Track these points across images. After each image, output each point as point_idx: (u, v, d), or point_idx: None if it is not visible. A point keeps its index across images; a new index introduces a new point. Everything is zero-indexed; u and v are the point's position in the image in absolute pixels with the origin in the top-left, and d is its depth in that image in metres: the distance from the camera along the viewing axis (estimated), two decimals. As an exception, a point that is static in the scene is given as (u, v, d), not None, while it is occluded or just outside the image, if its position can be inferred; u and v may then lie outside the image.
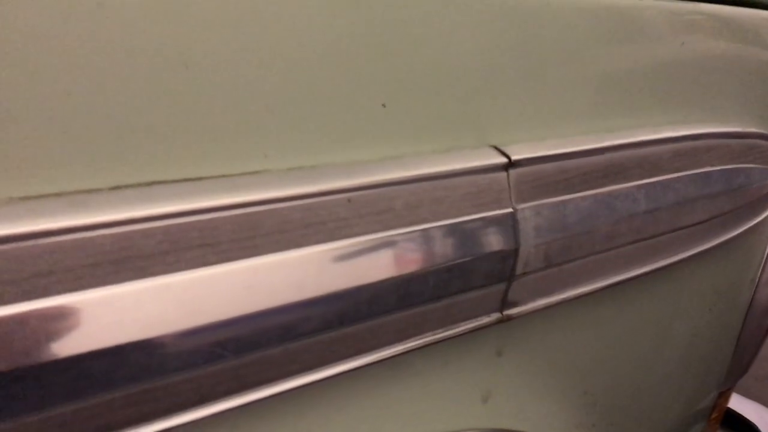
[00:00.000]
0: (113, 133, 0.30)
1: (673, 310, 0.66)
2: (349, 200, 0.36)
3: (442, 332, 0.42)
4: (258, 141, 0.34)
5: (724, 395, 0.87)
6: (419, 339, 0.41)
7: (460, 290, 0.41)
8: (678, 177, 0.55)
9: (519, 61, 0.44)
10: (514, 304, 0.45)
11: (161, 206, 0.30)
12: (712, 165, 0.59)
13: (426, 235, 0.39)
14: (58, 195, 0.29)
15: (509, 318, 0.45)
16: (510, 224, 0.42)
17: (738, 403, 1.16)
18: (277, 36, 0.33)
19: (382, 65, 0.37)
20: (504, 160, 0.42)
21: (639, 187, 0.51)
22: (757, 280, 0.79)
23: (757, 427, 1.13)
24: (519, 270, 0.43)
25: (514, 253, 0.42)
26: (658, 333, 0.66)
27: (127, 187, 0.30)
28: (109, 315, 0.28)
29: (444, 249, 0.39)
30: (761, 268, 0.79)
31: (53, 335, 0.27)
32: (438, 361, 0.46)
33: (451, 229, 0.40)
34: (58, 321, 0.27)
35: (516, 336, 0.50)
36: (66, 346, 0.27)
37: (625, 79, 0.51)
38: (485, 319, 0.44)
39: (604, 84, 0.50)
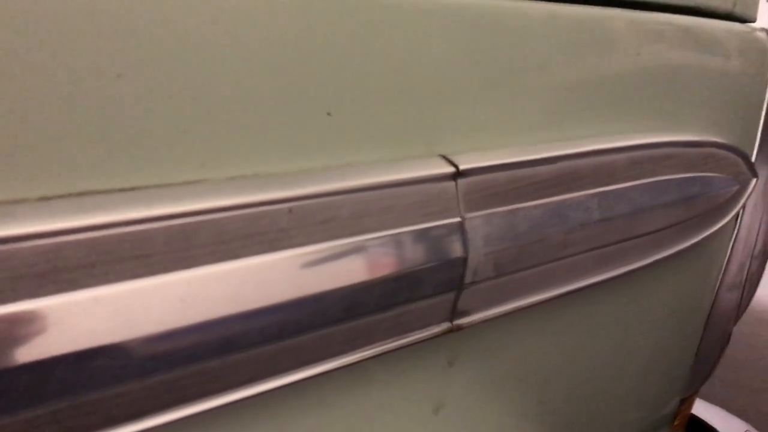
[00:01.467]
0: (41, 141, 0.29)
1: (632, 317, 0.67)
2: (290, 210, 0.35)
3: (391, 343, 0.42)
4: (195, 149, 0.33)
5: (687, 401, 0.88)
6: (367, 350, 0.41)
7: (407, 300, 0.41)
8: (633, 186, 0.55)
9: (470, 69, 0.43)
10: (465, 314, 0.45)
11: (91, 217, 0.29)
12: (669, 174, 0.59)
13: (372, 245, 0.38)
14: (-21, 206, 0.28)
15: (459, 328, 0.45)
16: (458, 233, 0.42)
17: (702, 409, 1.17)
18: (216, 40, 0.33)
19: (328, 73, 0.37)
20: (452, 169, 0.42)
21: (593, 195, 0.51)
22: (717, 287, 0.80)
23: (720, 433, 1.14)
24: (468, 279, 0.43)
25: (463, 262, 0.42)
26: (616, 340, 0.66)
27: (54, 197, 0.30)
28: (32, 330, 0.28)
29: (390, 258, 0.39)
30: (721, 274, 0.80)
31: (-28, 351, 0.26)
32: (387, 372, 0.46)
33: (398, 239, 0.39)
34: (-23, 336, 0.26)
35: (468, 346, 0.50)
36: (-14, 362, 0.27)
37: (580, 89, 0.51)
38: (435, 329, 0.44)
39: (559, 93, 0.50)
